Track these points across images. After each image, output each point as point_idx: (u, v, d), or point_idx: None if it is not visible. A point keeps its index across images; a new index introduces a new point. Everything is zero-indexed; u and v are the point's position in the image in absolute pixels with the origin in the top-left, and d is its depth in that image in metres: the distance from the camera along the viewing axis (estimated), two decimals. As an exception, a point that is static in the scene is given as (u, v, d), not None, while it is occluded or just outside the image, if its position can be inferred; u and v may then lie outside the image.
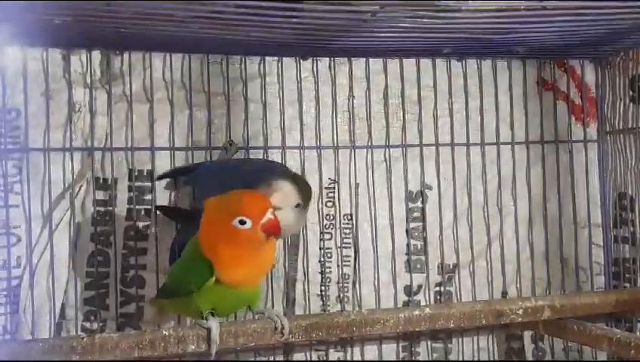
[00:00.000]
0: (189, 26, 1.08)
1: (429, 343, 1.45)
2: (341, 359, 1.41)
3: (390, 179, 1.43)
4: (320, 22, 1.08)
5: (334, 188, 1.40)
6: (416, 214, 1.44)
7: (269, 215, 0.99)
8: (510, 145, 1.49)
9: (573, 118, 1.54)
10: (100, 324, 1.27)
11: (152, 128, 1.31)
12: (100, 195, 1.29)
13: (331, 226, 1.40)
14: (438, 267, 1.45)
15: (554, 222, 1.50)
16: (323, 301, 1.39)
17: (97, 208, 1.28)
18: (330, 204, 1.40)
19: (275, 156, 1.36)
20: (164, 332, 1.05)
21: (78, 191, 1.28)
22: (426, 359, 1.45)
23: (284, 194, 1.11)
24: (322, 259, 1.39)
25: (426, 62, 1.45)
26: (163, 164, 1.31)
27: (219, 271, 1.00)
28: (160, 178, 1.30)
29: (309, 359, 1.39)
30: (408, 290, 1.43)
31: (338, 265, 1.40)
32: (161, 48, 1.29)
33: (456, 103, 1.46)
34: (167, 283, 1.14)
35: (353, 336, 1.35)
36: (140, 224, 1.30)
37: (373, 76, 1.42)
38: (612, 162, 1.52)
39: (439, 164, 1.45)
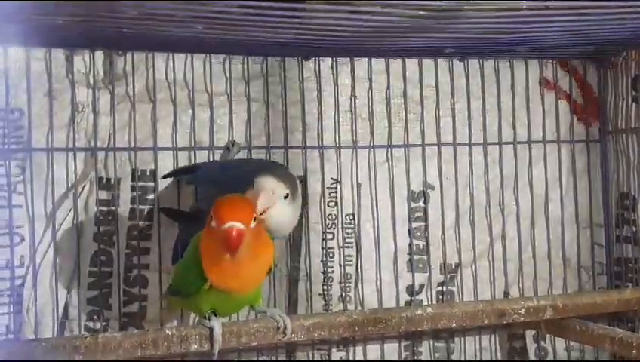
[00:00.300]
0: (191, 26, 1.09)
1: (431, 343, 1.45)
2: (343, 359, 1.41)
3: (392, 178, 1.43)
4: (322, 22, 1.08)
5: (336, 188, 1.40)
6: (418, 214, 1.45)
7: (229, 224, 0.92)
8: (512, 145, 1.49)
9: (576, 118, 1.54)
10: (103, 324, 1.27)
11: (154, 128, 1.31)
12: (103, 195, 1.29)
13: (333, 226, 1.40)
14: (440, 266, 1.45)
15: (556, 222, 1.50)
16: (325, 300, 1.39)
17: (100, 208, 1.29)
18: (332, 204, 1.40)
19: (277, 156, 1.36)
20: (166, 332, 1.05)
21: (82, 191, 1.28)
22: (429, 359, 1.45)
23: (267, 190, 1.06)
24: (324, 259, 1.39)
25: (428, 62, 1.45)
26: (166, 163, 1.31)
27: (209, 276, 0.98)
28: (164, 178, 1.30)
29: (311, 359, 1.39)
30: (410, 290, 1.43)
31: (340, 265, 1.40)
32: (163, 48, 1.30)
33: (458, 103, 1.47)
34: (172, 282, 1.14)
35: (355, 336, 1.35)
36: (143, 224, 1.30)
37: (376, 76, 1.43)
38: (614, 162, 1.52)
39: (441, 164, 1.45)
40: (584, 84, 1.54)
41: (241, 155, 1.35)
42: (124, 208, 1.30)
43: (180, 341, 1.04)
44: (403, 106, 1.44)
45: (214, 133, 1.34)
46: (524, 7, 1.04)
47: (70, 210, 1.27)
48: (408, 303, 1.42)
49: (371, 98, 1.42)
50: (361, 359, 1.41)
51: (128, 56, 1.30)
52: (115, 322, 1.28)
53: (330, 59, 1.40)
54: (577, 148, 1.53)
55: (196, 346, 1.04)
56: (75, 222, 1.27)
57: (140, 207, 1.30)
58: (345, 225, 1.40)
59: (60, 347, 1.01)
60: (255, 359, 1.36)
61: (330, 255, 1.40)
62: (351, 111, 1.41)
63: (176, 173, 1.31)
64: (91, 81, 1.28)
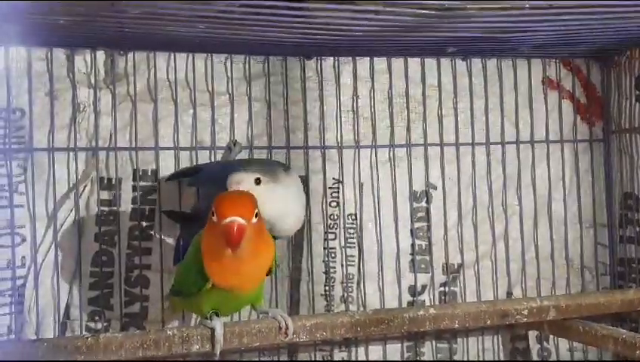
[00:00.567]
0: (193, 25, 1.08)
1: (433, 343, 1.45)
2: (345, 359, 1.40)
3: (395, 178, 1.42)
4: (324, 21, 1.08)
5: (338, 188, 1.40)
6: (420, 214, 1.44)
7: (230, 219, 0.91)
8: (515, 145, 1.49)
9: (579, 118, 1.53)
10: (105, 324, 1.27)
11: (156, 128, 1.31)
12: (105, 195, 1.29)
13: (335, 226, 1.40)
14: (442, 267, 1.45)
15: (559, 222, 1.50)
16: (327, 301, 1.39)
17: (102, 208, 1.28)
18: (334, 204, 1.40)
19: (279, 156, 1.36)
20: (168, 332, 1.04)
21: (83, 191, 1.28)
22: (431, 359, 1.44)
23: (234, 184, 1.05)
24: (326, 259, 1.39)
25: (430, 62, 1.44)
26: (167, 163, 1.31)
27: (210, 273, 0.98)
28: (167, 180, 1.30)
29: (313, 359, 1.39)
30: (413, 290, 1.43)
31: (342, 265, 1.40)
32: (165, 48, 1.30)
33: (460, 103, 1.46)
34: (174, 282, 1.14)
35: (357, 337, 1.35)
36: (145, 224, 1.30)
37: (378, 75, 1.42)
38: (617, 162, 1.52)
39: (444, 164, 1.45)
40: (587, 83, 1.54)
41: (243, 155, 1.35)
42: (125, 208, 1.30)
43: (182, 341, 1.03)
44: (405, 106, 1.43)
45: (216, 132, 1.33)
46: (528, 6, 1.04)
47: (71, 210, 1.27)
48: (410, 304, 1.42)
49: (373, 97, 1.42)
50: (364, 359, 1.41)
51: (129, 55, 1.29)
52: (116, 322, 1.28)
53: (332, 58, 1.40)
54: (581, 147, 1.52)
55: (198, 347, 1.04)
56: (76, 222, 1.27)
57: (142, 207, 1.30)
58: (347, 225, 1.40)
59: (62, 347, 1.01)
60: (257, 359, 1.36)
61: (332, 255, 1.39)
62: (353, 110, 1.41)
63: (179, 175, 1.30)
64: (92, 81, 1.28)
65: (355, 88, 1.41)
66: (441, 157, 1.45)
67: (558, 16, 1.11)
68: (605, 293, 1.41)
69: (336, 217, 1.40)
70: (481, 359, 1.47)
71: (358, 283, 1.40)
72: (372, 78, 1.42)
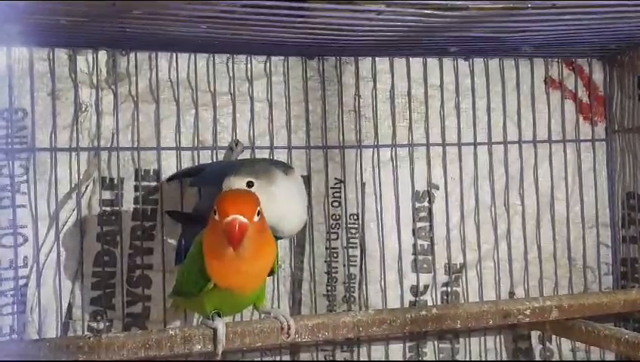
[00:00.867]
0: (195, 25, 1.08)
1: (435, 343, 1.45)
2: (347, 359, 1.40)
3: (397, 178, 1.42)
4: (325, 21, 1.08)
5: (340, 188, 1.40)
6: (422, 214, 1.44)
7: (232, 217, 0.91)
8: (517, 144, 1.48)
9: (581, 117, 1.53)
10: (107, 324, 1.27)
11: (158, 128, 1.31)
12: (107, 195, 1.29)
13: (337, 226, 1.40)
14: (445, 267, 1.45)
15: (562, 222, 1.50)
16: (329, 301, 1.39)
17: (104, 208, 1.28)
18: (336, 204, 1.40)
19: (281, 156, 1.36)
20: (170, 332, 1.04)
21: (85, 191, 1.28)
22: (433, 359, 1.44)
23: (229, 187, 1.05)
24: (328, 259, 1.39)
25: (432, 61, 1.44)
26: (169, 163, 1.31)
27: (211, 273, 0.98)
28: (169, 181, 1.30)
29: (315, 359, 1.39)
30: (415, 290, 1.43)
31: (344, 265, 1.40)
32: (166, 48, 1.30)
33: (463, 102, 1.46)
34: (176, 283, 1.14)
35: (360, 336, 1.34)
36: (147, 224, 1.30)
37: (380, 75, 1.42)
38: (620, 161, 1.51)
39: (446, 164, 1.44)
40: (590, 82, 1.53)
41: (245, 155, 1.35)
42: (127, 208, 1.30)
43: (184, 341, 1.03)
44: (407, 106, 1.43)
45: (218, 132, 1.33)
46: (530, 5, 1.04)
47: (73, 210, 1.27)
48: (413, 304, 1.42)
49: (375, 97, 1.42)
50: (366, 359, 1.41)
51: (131, 55, 1.29)
52: (118, 322, 1.28)
53: (334, 58, 1.40)
54: (583, 147, 1.52)
55: (200, 346, 1.04)
56: (78, 222, 1.27)
57: (144, 207, 1.30)
58: (349, 225, 1.40)
59: (64, 347, 1.01)
60: (259, 359, 1.36)
61: (335, 255, 1.39)
62: (355, 110, 1.41)
63: (181, 176, 1.30)
64: (94, 81, 1.28)
65: (357, 88, 1.41)
66: (444, 157, 1.44)
67: (560, 16, 1.11)
68: (608, 293, 1.41)
69: (338, 217, 1.40)
70: (483, 359, 1.47)
71: (360, 283, 1.40)
72: (374, 78, 1.42)
